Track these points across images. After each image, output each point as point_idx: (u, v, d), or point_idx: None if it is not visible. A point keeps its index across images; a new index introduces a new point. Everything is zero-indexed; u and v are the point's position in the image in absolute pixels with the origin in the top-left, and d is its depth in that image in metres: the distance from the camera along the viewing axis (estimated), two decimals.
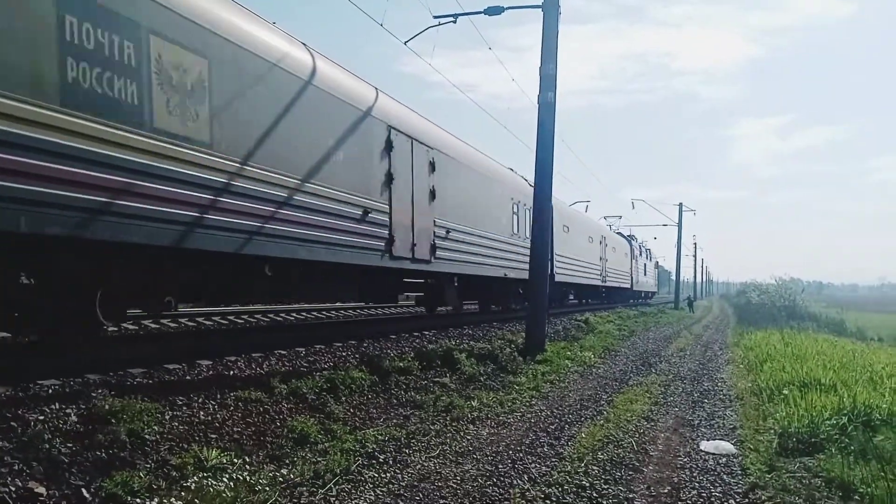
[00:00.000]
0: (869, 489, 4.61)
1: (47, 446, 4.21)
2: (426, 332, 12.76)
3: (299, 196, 8.79)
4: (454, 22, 13.43)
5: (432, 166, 12.96)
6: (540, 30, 12.30)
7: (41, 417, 4.62)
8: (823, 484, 4.91)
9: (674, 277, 56.81)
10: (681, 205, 50.18)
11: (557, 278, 22.90)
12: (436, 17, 13.58)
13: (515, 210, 18.80)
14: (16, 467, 3.93)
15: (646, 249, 51.57)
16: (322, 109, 9.35)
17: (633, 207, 51.52)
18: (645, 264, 50.64)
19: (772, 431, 6.50)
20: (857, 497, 4.60)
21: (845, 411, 6.60)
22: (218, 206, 7.34)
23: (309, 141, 9.08)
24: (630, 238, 44.90)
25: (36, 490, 3.77)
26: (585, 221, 30.99)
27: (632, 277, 43.01)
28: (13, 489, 3.73)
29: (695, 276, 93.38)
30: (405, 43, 13.23)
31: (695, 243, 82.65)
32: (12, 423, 4.43)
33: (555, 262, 22.17)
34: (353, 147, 10.12)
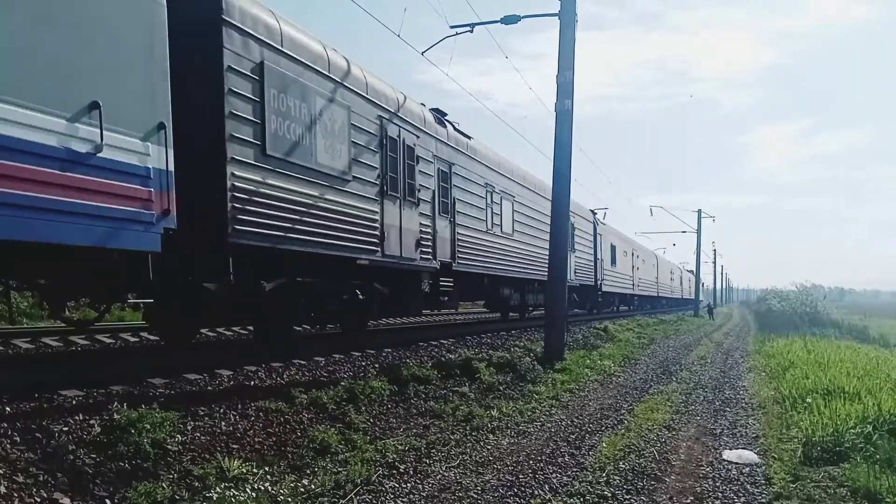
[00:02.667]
0: None
1: (71, 457, 4.26)
2: (444, 342, 12.73)
3: None
4: (471, 31, 13.46)
5: None
6: (557, 37, 12.30)
7: (65, 429, 4.67)
8: (849, 493, 4.85)
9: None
10: (699, 211, 49.92)
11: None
12: (452, 27, 13.61)
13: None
14: (41, 479, 3.98)
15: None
16: None
17: (652, 214, 51.39)
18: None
19: (795, 440, 6.41)
20: None
21: (870, 419, 6.51)
22: None
23: None
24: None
25: (61, 501, 3.82)
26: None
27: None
28: (38, 500, 3.78)
29: (714, 283, 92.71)
30: (422, 53, 13.30)
31: (714, 250, 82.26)
32: (37, 435, 4.49)
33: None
34: None
